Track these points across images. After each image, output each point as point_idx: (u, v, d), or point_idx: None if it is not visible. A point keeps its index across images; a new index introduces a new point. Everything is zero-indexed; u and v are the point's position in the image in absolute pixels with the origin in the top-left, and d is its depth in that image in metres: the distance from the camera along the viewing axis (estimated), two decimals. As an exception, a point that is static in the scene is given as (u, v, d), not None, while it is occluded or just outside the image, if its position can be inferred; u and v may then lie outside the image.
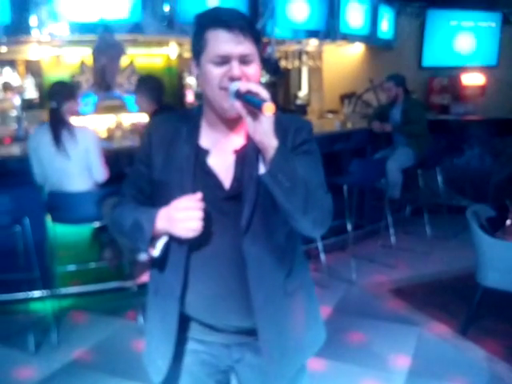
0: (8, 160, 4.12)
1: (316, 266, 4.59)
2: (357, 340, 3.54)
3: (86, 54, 5.48)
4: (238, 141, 1.46)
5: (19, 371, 3.20)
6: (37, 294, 3.94)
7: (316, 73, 7.37)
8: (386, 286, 4.38)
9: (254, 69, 1.38)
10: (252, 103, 1.27)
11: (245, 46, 1.35)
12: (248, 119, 1.29)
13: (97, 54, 4.69)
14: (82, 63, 5.73)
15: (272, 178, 1.29)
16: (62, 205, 3.67)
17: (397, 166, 5.24)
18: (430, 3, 7.07)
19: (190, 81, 6.43)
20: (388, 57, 7.06)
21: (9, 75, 5.57)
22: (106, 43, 4.60)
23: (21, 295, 3.94)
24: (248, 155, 1.41)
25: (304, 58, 7.17)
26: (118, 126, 5.39)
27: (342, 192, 4.51)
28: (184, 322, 1.53)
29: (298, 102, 7.33)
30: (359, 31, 6.45)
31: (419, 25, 7.13)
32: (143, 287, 3.96)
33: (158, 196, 1.50)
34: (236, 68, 1.34)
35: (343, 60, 7.37)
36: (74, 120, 3.81)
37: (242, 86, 1.30)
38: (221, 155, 1.46)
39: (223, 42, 1.34)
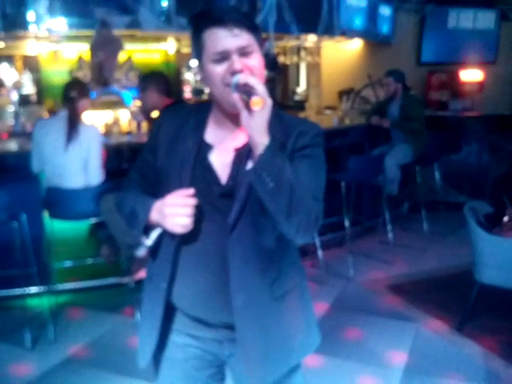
0: (5, 156, 4.12)
1: (313, 263, 4.59)
2: (354, 336, 3.55)
3: (83, 50, 5.47)
4: (242, 138, 1.44)
5: (16, 367, 3.20)
6: (34, 289, 3.93)
7: (314, 68, 7.36)
8: (383, 282, 4.39)
9: (256, 59, 1.38)
10: (245, 96, 1.28)
11: (241, 38, 1.34)
12: (243, 113, 1.29)
13: (94, 49, 4.68)
14: (80, 59, 5.71)
15: (256, 175, 1.29)
16: (59, 201, 3.67)
17: (395, 162, 5.24)
18: (428, -1, 7.06)
19: (188, 76, 6.43)
20: (386, 53, 7.05)
21: (6, 71, 5.56)
22: (104, 38, 4.59)
23: (18, 291, 3.93)
24: (247, 154, 1.39)
25: (302, 53, 7.16)
26: (116, 121, 5.38)
27: (340, 188, 4.51)
28: (174, 314, 1.56)
29: (296, 97, 7.32)
30: (358, 27, 6.44)
31: (418, 21, 7.12)
32: (140, 283, 3.96)
33: (159, 185, 1.51)
34: (236, 61, 1.34)
35: (342, 56, 7.36)
36: (84, 117, 3.84)
37: (242, 78, 1.30)
38: (223, 152, 1.46)
39: (219, 38, 1.34)
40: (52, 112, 5.17)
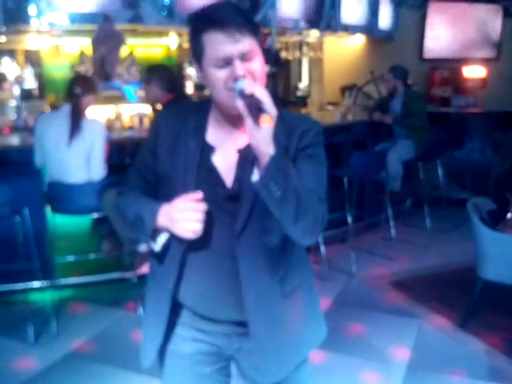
0: (7, 150, 4.11)
1: (316, 259, 4.58)
2: (356, 332, 3.54)
3: (85, 44, 5.45)
4: (243, 139, 1.42)
5: (19, 361, 3.20)
6: (36, 284, 3.93)
7: (317, 64, 7.34)
8: (385, 278, 4.38)
9: (258, 63, 1.35)
10: (252, 109, 1.25)
11: (244, 44, 1.31)
12: (248, 121, 1.26)
13: (96, 43, 4.66)
14: (82, 53, 5.69)
15: (263, 186, 1.27)
16: (61, 195, 3.67)
17: (397, 158, 5.23)
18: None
19: (190, 71, 6.40)
20: (389, 49, 7.03)
21: (7, 65, 5.54)
22: (106, 33, 4.57)
23: (20, 285, 3.93)
24: (250, 155, 1.36)
25: (305, 49, 7.13)
26: (118, 116, 5.37)
27: (343, 184, 4.50)
28: (181, 309, 1.56)
29: (299, 93, 7.29)
30: (360, 22, 6.42)
31: (420, 16, 7.09)
32: (143, 278, 3.96)
33: (161, 188, 1.50)
34: (239, 68, 1.31)
35: (344, 51, 7.34)
36: (88, 113, 3.83)
37: (248, 87, 1.27)
38: (225, 153, 1.44)
39: (221, 44, 1.30)
40: (54, 106, 5.16)
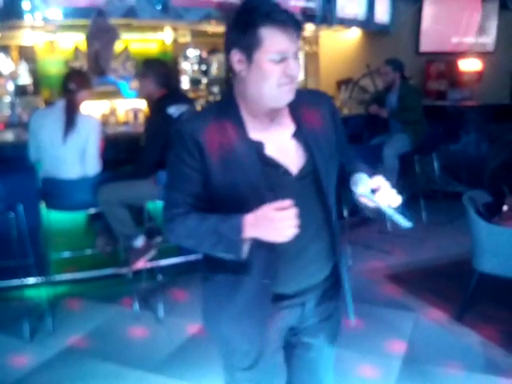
0: (1, 146, 4.10)
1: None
2: (353, 325, 3.54)
3: (80, 40, 5.42)
4: (283, 127, 1.53)
5: (14, 358, 3.19)
6: (31, 280, 3.92)
7: (312, 58, 7.31)
8: (382, 271, 4.38)
9: (300, 60, 1.47)
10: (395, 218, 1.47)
11: (297, 44, 1.42)
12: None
13: (90, 38, 4.64)
14: (76, 49, 5.66)
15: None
16: (56, 191, 3.66)
17: (393, 152, 5.22)
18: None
19: (185, 66, 6.38)
20: (385, 42, 7.01)
21: (1, 61, 5.51)
22: (100, 28, 4.55)
23: (15, 282, 3.92)
24: (307, 138, 1.52)
25: (300, 43, 7.10)
26: (113, 111, 5.35)
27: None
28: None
29: (295, 87, 7.27)
30: (356, 16, 6.40)
31: (416, 10, 7.07)
32: (138, 274, 3.96)
33: (223, 198, 1.49)
34: (293, 65, 1.40)
35: (340, 45, 7.32)
36: (83, 108, 3.81)
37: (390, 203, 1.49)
38: (275, 143, 1.50)
39: (281, 40, 1.38)
40: (48, 102, 5.14)
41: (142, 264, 3.75)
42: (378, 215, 1.57)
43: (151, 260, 3.79)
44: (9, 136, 4.42)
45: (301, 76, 7.38)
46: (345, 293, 1.72)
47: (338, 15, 6.11)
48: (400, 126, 5.39)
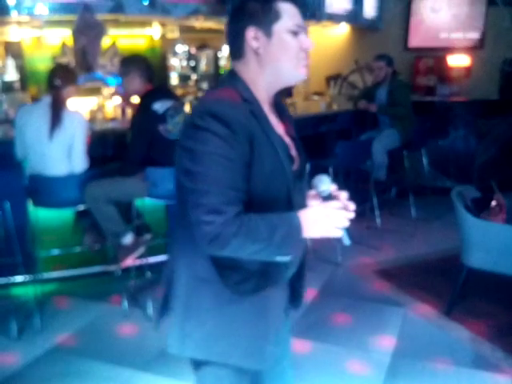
0: (-13, 143, 4.04)
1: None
2: (342, 321, 3.55)
3: (67, 36, 5.37)
4: (278, 122, 1.55)
5: (2, 357, 3.17)
6: (19, 278, 3.89)
7: (301, 54, 7.30)
8: (371, 267, 4.39)
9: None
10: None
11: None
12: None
13: (77, 34, 4.59)
14: (64, 44, 5.60)
15: None
16: (43, 188, 3.62)
17: (382, 147, 5.24)
18: (415, -17, 7.00)
19: (174, 62, 6.34)
20: (374, 38, 7.01)
21: (-12, 56, 5.46)
22: (86, 23, 4.50)
23: (2, 280, 3.89)
24: (293, 135, 1.57)
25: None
26: (100, 108, 5.30)
27: (328, 174, 4.48)
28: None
29: (284, 83, 7.26)
30: (344, 12, 6.38)
31: (405, 6, 7.07)
32: (127, 271, 3.94)
33: (262, 189, 1.40)
34: (308, 40, 1.45)
35: (328, 41, 7.31)
36: (69, 104, 3.77)
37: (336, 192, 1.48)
38: (284, 136, 1.52)
39: (297, 14, 1.45)
40: (36, 99, 5.09)
41: (130, 261, 3.73)
42: None
43: (140, 257, 3.77)
44: (-5, 133, 4.36)
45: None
46: (302, 286, 1.73)
47: (326, 11, 6.09)
48: (389, 122, 5.40)
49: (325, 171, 4.39)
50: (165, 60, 6.37)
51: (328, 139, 5.09)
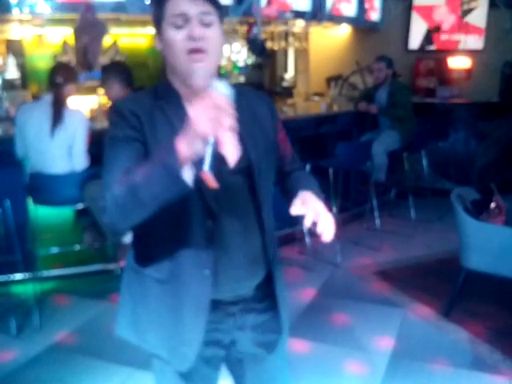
0: (-12, 141, 4.05)
1: (301, 249, 4.59)
2: (341, 322, 3.55)
3: (68, 34, 5.38)
4: None
5: (1, 354, 3.17)
6: (18, 276, 3.90)
7: (302, 54, 7.32)
8: (370, 268, 4.39)
9: (216, 32, 1.37)
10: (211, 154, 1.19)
11: (202, 5, 1.34)
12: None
13: (78, 33, 4.61)
14: (65, 43, 5.62)
15: None
16: (43, 186, 3.63)
17: (382, 148, 5.24)
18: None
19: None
20: (375, 39, 7.03)
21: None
22: (88, 22, 4.52)
23: (2, 278, 3.89)
24: (243, 133, 1.38)
25: (290, 39, 7.11)
26: (100, 106, 5.31)
27: (328, 175, 4.49)
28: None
29: (284, 83, 7.27)
30: (346, 13, 6.40)
31: (406, 7, 7.08)
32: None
33: None
34: (196, 27, 1.33)
35: (330, 42, 7.32)
36: (70, 103, 3.79)
37: (218, 137, 1.20)
38: None
39: (180, 2, 1.34)
40: (36, 97, 5.09)
41: (130, 260, 3.73)
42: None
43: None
44: (-4, 131, 4.37)
45: (291, 72, 7.39)
46: (278, 305, 1.57)
47: (328, 12, 6.10)
48: (389, 123, 5.40)
49: (325, 172, 4.43)
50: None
51: (328, 140, 5.09)
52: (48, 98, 3.68)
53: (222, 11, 1.43)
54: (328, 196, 4.54)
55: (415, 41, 7.16)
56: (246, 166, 1.43)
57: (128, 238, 3.67)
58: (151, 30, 6.15)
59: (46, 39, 5.73)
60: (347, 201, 5.32)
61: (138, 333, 1.61)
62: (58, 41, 5.69)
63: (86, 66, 4.81)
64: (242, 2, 5.20)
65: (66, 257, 4.09)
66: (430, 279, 4.17)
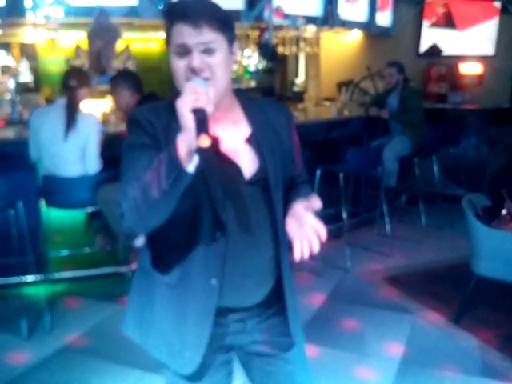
0: (2, 144, 4.08)
1: (311, 254, 4.58)
2: (350, 327, 3.55)
3: (81, 38, 5.43)
4: (237, 130, 1.48)
5: (12, 356, 3.19)
6: (30, 278, 3.92)
7: (313, 59, 7.32)
8: (380, 274, 4.39)
9: (219, 58, 1.37)
10: (197, 124, 1.21)
11: (203, 35, 1.33)
12: (187, 134, 1.22)
13: (92, 37, 4.64)
14: (78, 47, 5.67)
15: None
16: (56, 189, 3.66)
17: (393, 154, 5.23)
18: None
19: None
20: (386, 44, 7.02)
21: (3, 58, 5.52)
22: (102, 26, 4.55)
23: (14, 279, 3.92)
24: (261, 144, 1.46)
25: (301, 44, 7.11)
26: (113, 110, 5.35)
27: (338, 180, 4.49)
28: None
29: (295, 88, 7.29)
30: (357, 18, 6.40)
31: (418, 12, 7.08)
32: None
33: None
34: (195, 58, 1.34)
35: (341, 47, 7.32)
36: (83, 106, 3.83)
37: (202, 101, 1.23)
38: (227, 144, 1.43)
39: (181, 32, 1.35)
40: (49, 100, 5.14)
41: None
42: None
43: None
44: (9, 133, 4.40)
45: (301, 77, 7.40)
46: (287, 311, 1.58)
47: (339, 17, 6.11)
48: (400, 129, 5.39)
49: (335, 177, 4.43)
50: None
51: (339, 145, 5.09)
52: (61, 101, 3.72)
53: (232, 33, 1.42)
54: (338, 201, 4.54)
55: (426, 46, 7.15)
56: (262, 178, 1.46)
57: (139, 242, 3.69)
58: (163, 35, 6.20)
59: (60, 43, 5.78)
60: (357, 206, 5.31)
61: (141, 332, 1.63)
62: (71, 45, 5.74)
63: (98, 70, 4.85)
64: (254, 8, 5.22)
65: (77, 259, 4.11)
66: (440, 285, 4.16)
